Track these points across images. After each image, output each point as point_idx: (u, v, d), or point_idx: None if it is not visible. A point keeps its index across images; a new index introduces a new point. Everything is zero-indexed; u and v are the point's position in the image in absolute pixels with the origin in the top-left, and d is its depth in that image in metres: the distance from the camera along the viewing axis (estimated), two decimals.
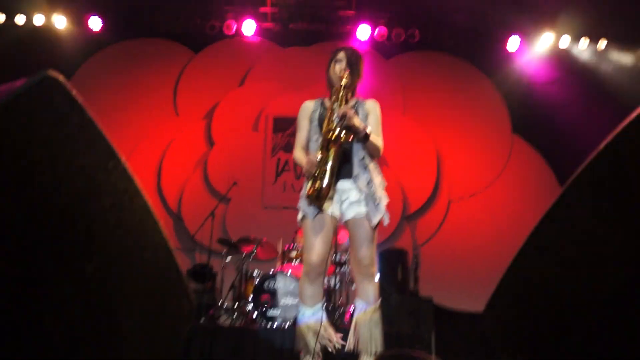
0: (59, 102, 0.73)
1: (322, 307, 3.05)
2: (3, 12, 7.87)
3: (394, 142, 8.22)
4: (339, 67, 3.11)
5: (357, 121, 2.91)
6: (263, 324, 5.13)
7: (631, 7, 7.00)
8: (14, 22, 7.89)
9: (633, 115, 0.99)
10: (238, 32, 8.20)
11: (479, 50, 8.43)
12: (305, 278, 3.01)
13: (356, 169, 3.02)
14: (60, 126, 0.72)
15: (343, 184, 3.02)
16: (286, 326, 4.88)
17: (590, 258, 1.11)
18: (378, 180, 3.10)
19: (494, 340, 1.11)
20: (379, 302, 3.03)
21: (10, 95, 0.74)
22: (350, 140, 2.90)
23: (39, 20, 7.92)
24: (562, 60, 8.18)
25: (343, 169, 2.99)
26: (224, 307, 5.71)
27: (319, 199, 2.88)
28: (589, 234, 1.10)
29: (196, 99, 8.34)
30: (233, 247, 6.12)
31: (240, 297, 5.65)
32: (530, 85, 8.28)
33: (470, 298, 7.04)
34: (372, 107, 3.21)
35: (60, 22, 7.97)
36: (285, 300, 5.22)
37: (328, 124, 2.93)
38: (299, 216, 3.07)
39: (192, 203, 7.74)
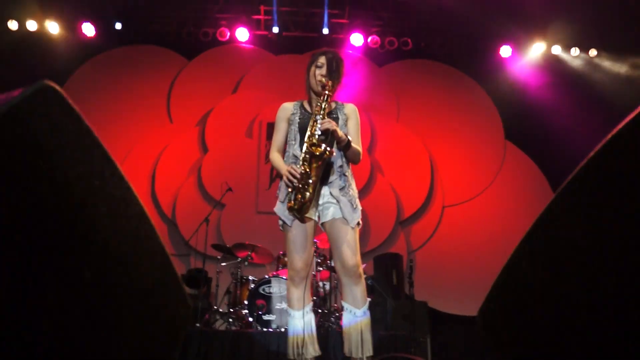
0: (56, 112, 0.74)
1: (310, 309, 3.05)
2: None
3: (388, 148, 8.26)
4: (320, 73, 3.10)
5: (339, 133, 2.93)
6: (258, 328, 5.13)
7: (620, 16, 7.09)
8: (7, 27, 7.87)
9: (625, 121, 1.01)
10: (231, 39, 8.24)
11: (472, 58, 8.50)
12: (290, 283, 3.02)
13: (334, 175, 3.03)
14: (57, 135, 0.73)
15: (321, 189, 3.03)
16: (282, 330, 4.89)
17: (582, 263, 1.12)
18: (354, 186, 3.11)
19: (486, 343, 1.12)
20: (367, 304, 3.02)
21: (7, 104, 0.74)
22: (333, 155, 2.91)
23: (32, 26, 7.92)
24: (553, 67, 8.26)
25: (323, 175, 2.99)
26: (220, 312, 5.72)
27: (300, 212, 2.89)
28: (581, 239, 1.11)
29: (190, 106, 8.34)
30: (228, 252, 6.12)
31: (236, 302, 5.66)
32: (522, 92, 8.35)
33: (465, 302, 7.08)
34: (351, 111, 3.22)
35: (54, 28, 7.97)
36: (280, 305, 5.23)
37: (311, 137, 2.93)
38: (280, 222, 3.07)
39: (186, 209, 7.74)
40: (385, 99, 8.51)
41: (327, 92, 3.02)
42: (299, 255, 2.99)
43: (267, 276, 5.49)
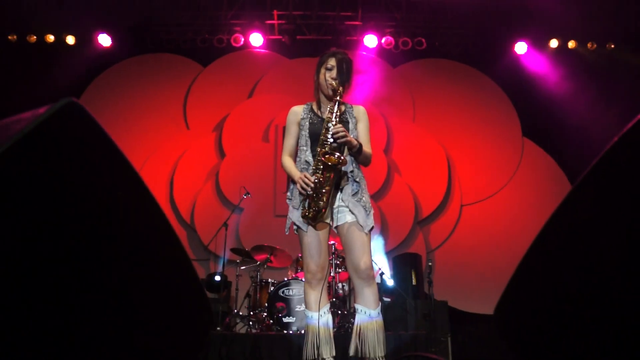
0: (81, 128, 0.78)
1: (328, 310, 3.07)
2: (15, 31, 8.03)
3: (404, 149, 8.25)
4: (330, 75, 3.12)
5: (353, 142, 2.96)
6: (279, 331, 5.16)
7: (638, 8, 7.00)
8: (26, 40, 8.06)
9: None
10: (246, 44, 8.30)
11: (487, 56, 8.47)
12: (307, 285, 3.06)
13: (346, 181, 3.05)
14: (83, 151, 0.77)
15: (335, 194, 3.05)
16: (302, 332, 4.91)
17: (598, 260, 1.12)
18: (366, 190, 3.13)
19: (502, 342, 1.14)
20: (380, 306, 3.04)
21: (34, 122, 0.78)
22: (346, 164, 2.93)
23: (50, 38, 8.10)
24: (570, 62, 8.19)
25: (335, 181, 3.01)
26: (240, 315, 5.76)
27: (315, 220, 2.92)
28: (595, 237, 1.11)
29: (206, 112, 8.41)
30: (247, 255, 6.17)
31: (256, 305, 5.69)
32: (539, 89, 8.29)
33: (485, 300, 7.04)
34: (361, 114, 3.24)
35: (70, 39, 8.14)
36: (300, 307, 5.26)
37: (324, 146, 2.95)
38: (294, 227, 3.10)
39: (204, 214, 7.80)
40: (401, 100, 8.51)
41: (338, 97, 3.03)
42: (315, 259, 3.02)
43: (286, 279, 5.52)
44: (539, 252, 1.15)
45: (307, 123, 3.16)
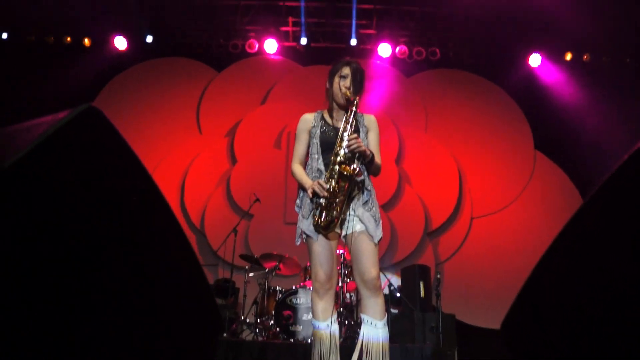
0: (99, 132, 0.79)
1: (335, 320, 3.06)
2: (34, 33, 8.15)
3: (416, 159, 8.24)
4: (344, 84, 3.11)
5: (367, 152, 2.96)
6: (285, 339, 5.15)
7: None
8: (44, 41, 8.17)
9: None
10: (260, 51, 8.36)
11: (500, 67, 8.46)
12: (315, 295, 3.04)
13: (357, 190, 3.05)
14: (101, 154, 0.78)
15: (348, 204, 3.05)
16: (308, 341, 4.90)
17: (608, 276, 1.12)
18: (376, 200, 3.12)
19: (510, 355, 1.13)
20: (386, 317, 3.02)
21: (54, 126, 0.79)
22: (361, 176, 2.93)
23: (67, 40, 8.20)
24: (583, 76, 8.15)
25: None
26: (247, 322, 5.76)
27: (327, 229, 2.92)
28: (607, 252, 1.11)
29: (219, 117, 8.46)
30: (256, 262, 6.17)
31: (263, 313, 5.69)
32: (552, 102, 8.26)
33: (493, 315, 6.99)
34: (372, 123, 3.23)
35: (87, 42, 8.25)
36: (307, 316, 5.25)
37: (339, 155, 2.95)
38: (303, 235, 3.09)
39: (215, 219, 7.82)
40: (413, 110, 8.50)
41: (354, 108, 3.04)
42: (324, 268, 3.01)
43: (294, 287, 5.51)
44: (547, 266, 1.15)
45: (318, 131, 3.16)
